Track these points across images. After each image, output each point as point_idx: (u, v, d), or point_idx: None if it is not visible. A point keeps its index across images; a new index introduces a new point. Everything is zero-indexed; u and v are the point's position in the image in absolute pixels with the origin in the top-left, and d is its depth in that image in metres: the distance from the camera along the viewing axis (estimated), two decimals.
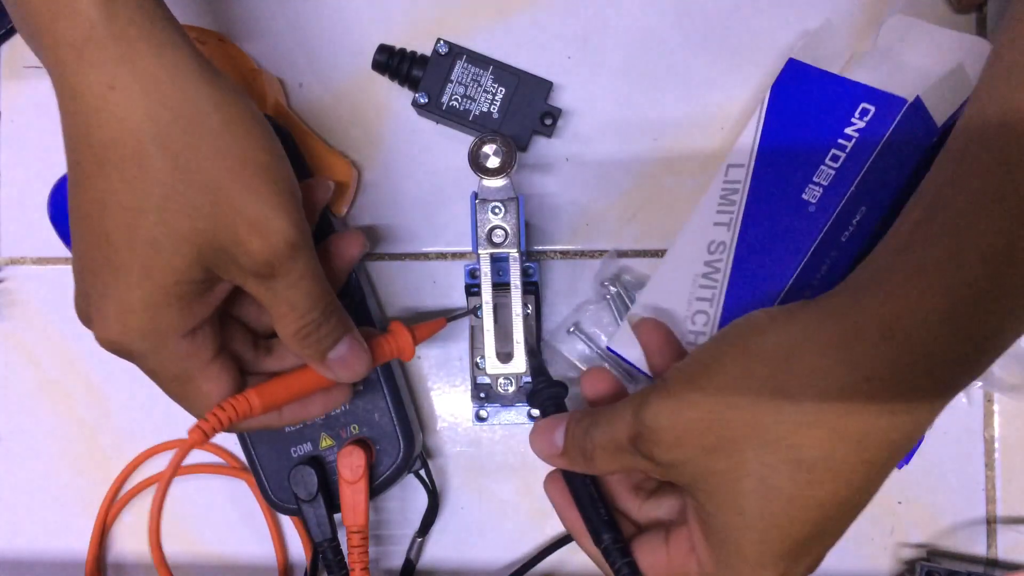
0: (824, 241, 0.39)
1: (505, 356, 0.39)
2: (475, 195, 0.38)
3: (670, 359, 0.37)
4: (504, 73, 0.44)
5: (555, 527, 0.45)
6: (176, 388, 0.33)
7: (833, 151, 0.39)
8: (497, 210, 0.38)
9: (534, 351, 0.40)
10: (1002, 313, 0.28)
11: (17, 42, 0.48)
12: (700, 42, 0.45)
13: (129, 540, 0.47)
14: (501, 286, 0.39)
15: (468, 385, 0.45)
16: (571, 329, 0.45)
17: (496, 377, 0.39)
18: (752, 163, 0.41)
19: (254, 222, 0.30)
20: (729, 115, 0.45)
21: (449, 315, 0.41)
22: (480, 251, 0.39)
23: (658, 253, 0.45)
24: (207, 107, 0.30)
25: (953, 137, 0.31)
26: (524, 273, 0.40)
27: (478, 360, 0.44)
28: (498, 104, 0.44)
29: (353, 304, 0.42)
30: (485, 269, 0.39)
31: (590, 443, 0.32)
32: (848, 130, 0.39)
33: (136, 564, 0.47)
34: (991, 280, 0.27)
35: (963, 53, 0.41)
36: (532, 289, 0.43)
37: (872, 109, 0.39)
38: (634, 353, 0.41)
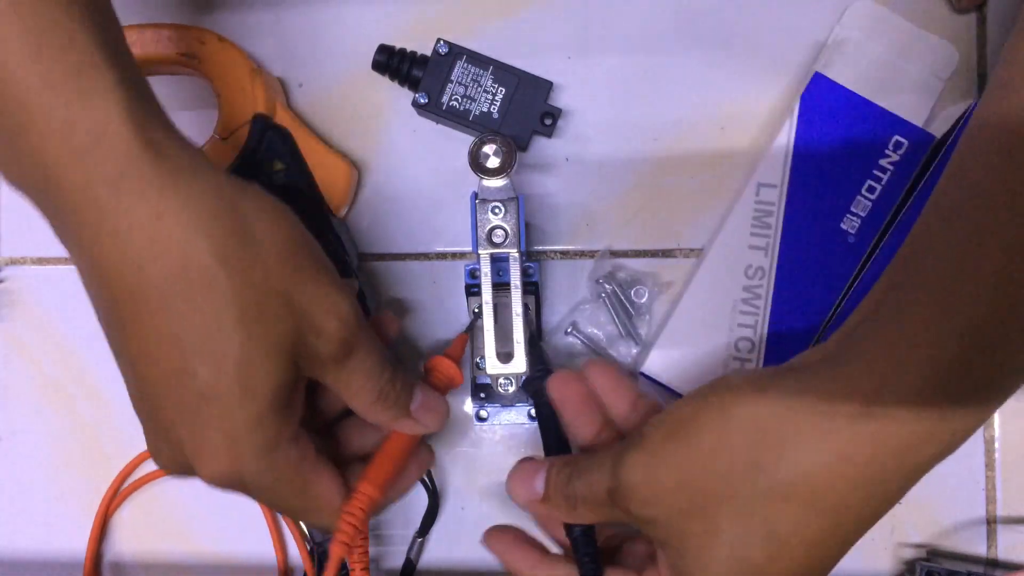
0: (863, 270, 0.41)
1: (505, 356, 0.39)
2: (475, 195, 0.38)
3: (590, 420, 0.36)
4: (504, 73, 0.44)
5: None
6: (298, 502, 0.33)
7: (869, 182, 0.41)
8: (497, 210, 0.38)
9: (535, 340, 0.40)
10: (983, 386, 0.28)
11: None
12: (700, 42, 0.45)
13: (128, 539, 0.47)
14: (501, 286, 0.39)
15: (468, 385, 0.46)
16: (568, 330, 0.45)
17: (496, 377, 0.39)
18: (785, 186, 0.41)
19: (327, 310, 0.30)
20: (729, 115, 0.45)
21: (465, 328, 0.41)
22: (480, 251, 0.39)
23: (658, 253, 0.45)
24: (252, 215, 0.29)
25: (941, 192, 0.30)
26: (524, 273, 0.40)
27: (478, 360, 0.44)
28: (498, 104, 0.44)
29: None
30: (485, 269, 0.39)
31: (573, 494, 0.33)
32: (883, 162, 0.41)
33: (134, 564, 0.47)
34: (967, 358, 0.27)
35: (931, 56, 0.42)
36: (532, 289, 0.43)
37: (905, 143, 0.41)
38: (668, 376, 0.41)
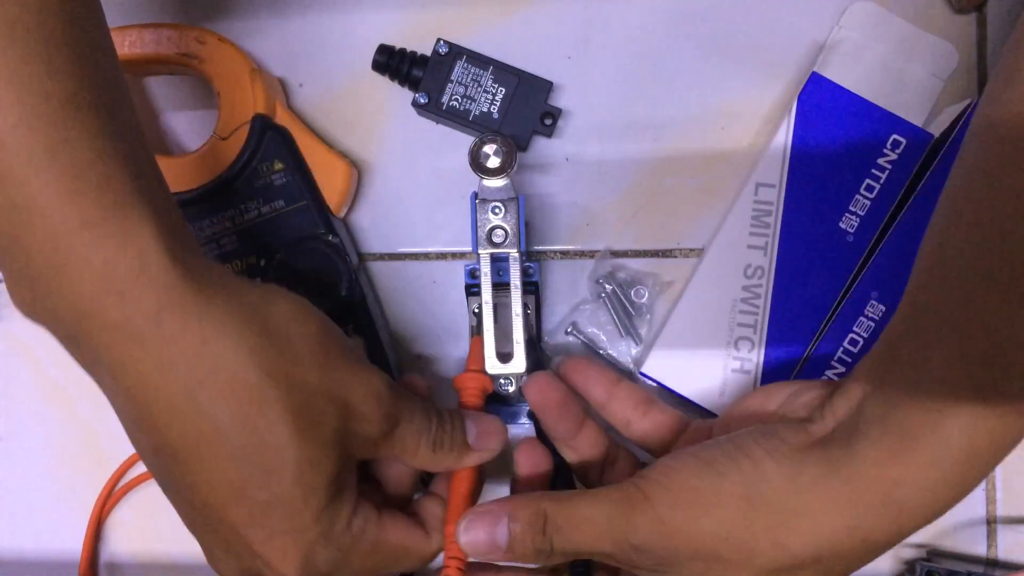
0: (862, 269, 0.41)
1: (505, 356, 0.39)
2: (475, 195, 0.38)
3: (570, 424, 0.36)
4: (504, 73, 0.44)
5: None
6: (380, 561, 0.33)
7: (868, 181, 0.41)
8: (497, 210, 0.38)
9: (534, 342, 0.40)
10: (999, 458, 0.29)
11: None
12: (700, 42, 0.45)
13: (123, 539, 0.47)
14: (501, 286, 0.39)
15: None
16: (569, 330, 0.45)
17: (496, 377, 0.39)
18: (784, 184, 0.41)
19: (364, 395, 0.31)
20: (729, 115, 0.45)
21: (474, 332, 0.41)
22: (480, 251, 0.39)
23: (658, 253, 0.45)
24: (282, 320, 0.30)
25: (929, 255, 0.31)
26: (524, 273, 0.40)
27: None
28: (498, 104, 0.44)
29: (353, 305, 0.42)
30: (485, 269, 0.39)
31: (548, 547, 0.32)
32: (881, 161, 0.41)
33: (131, 564, 0.47)
34: (980, 443, 0.28)
35: (931, 56, 0.42)
36: (532, 289, 0.43)
37: (904, 142, 0.41)
38: (668, 377, 0.41)
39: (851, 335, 0.41)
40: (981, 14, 0.44)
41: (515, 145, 0.38)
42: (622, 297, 0.44)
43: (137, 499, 0.47)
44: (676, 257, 0.45)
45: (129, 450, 0.46)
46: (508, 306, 0.39)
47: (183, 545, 0.47)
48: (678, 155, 0.45)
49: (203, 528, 0.31)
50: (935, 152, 0.41)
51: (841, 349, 0.41)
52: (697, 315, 0.42)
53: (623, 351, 0.45)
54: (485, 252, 0.39)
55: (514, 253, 0.38)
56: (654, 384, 0.42)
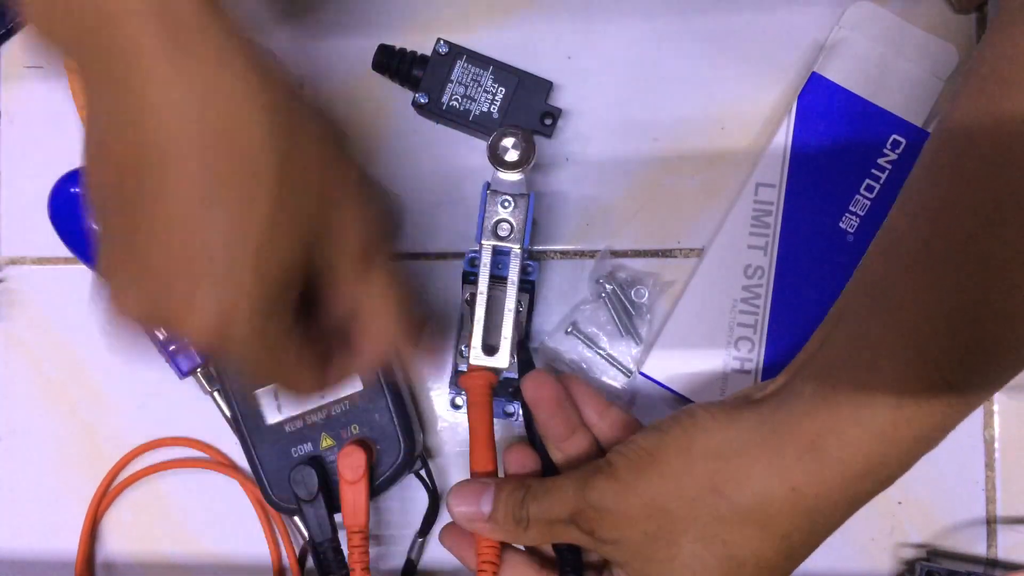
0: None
1: (490, 349, 0.39)
2: (487, 185, 0.38)
3: (563, 425, 0.37)
4: (504, 73, 0.44)
5: None
6: (276, 370, 0.32)
7: (868, 181, 0.41)
8: (507, 203, 0.39)
9: (523, 343, 0.40)
10: (921, 429, 0.30)
11: (18, 42, 0.48)
12: (700, 42, 0.45)
13: (119, 538, 0.47)
14: (498, 279, 0.39)
15: (448, 372, 0.46)
16: (569, 329, 0.45)
17: (479, 369, 0.39)
18: (784, 184, 0.42)
19: (355, 214, 0.31)
20: (729, 115, 0.45)
21: (463, 320, 0.41)
22: (484, 241, 0.39)
23: (658, 253, 0.45)
24: (306, 114, 0.30)
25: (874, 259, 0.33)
26: (523, 271, 0.40)
27: (463, 348, 0.43)
28: (498, 104, 0.44)
29: None
30: (485, 260, 0.39)
31: (525, 515, 0.34)
32: (881, 161, 0.41)
33: (127, 564, 0.47)
34: (906, 411, 0.30)
35: (931, 56, 0.42)
36: (528, 288, 0.43)
37: (904, 142, 0.41)
38: (668, 376, 0.42)
39: None
40: (981, 14, 0.44)
41: (535, 143, 0.38)
42: (622, 297, 0.44)
43: (132, 498, 0.47)
44: (676, 257, 0.45)
45: (125, 449, 0.47)
46: (501, 300, 0.39)
47: (179, 544, 0.47)
48: (678, 155, 0.45)
49: (134, 259, 0.29)
50: None
51: None
52: (698, 315, 0.42)
53: (623, 351, 0.45)
54: (488, 243, 0.39)
55: (516, 248, 0.38)
56: (655, 384, 0.42)
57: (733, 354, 0.41)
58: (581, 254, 0.46)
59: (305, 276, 0.31)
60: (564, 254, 0.46)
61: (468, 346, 0.39)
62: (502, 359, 0.38)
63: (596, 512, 0.32)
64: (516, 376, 0.39)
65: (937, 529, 0.44)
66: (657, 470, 0.32)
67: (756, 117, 0.45)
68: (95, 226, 0.31)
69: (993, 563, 0.44)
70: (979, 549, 0.44)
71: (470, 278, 0.42)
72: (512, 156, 0.38)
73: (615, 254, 0.45)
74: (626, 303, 0.44)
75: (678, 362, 0.42)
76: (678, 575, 0.32)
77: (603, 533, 0.33)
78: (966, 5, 0.43)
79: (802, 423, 0.31)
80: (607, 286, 0.44)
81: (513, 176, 0.38)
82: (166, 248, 0.28)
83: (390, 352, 0.35)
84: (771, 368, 0.41)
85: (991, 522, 0.44)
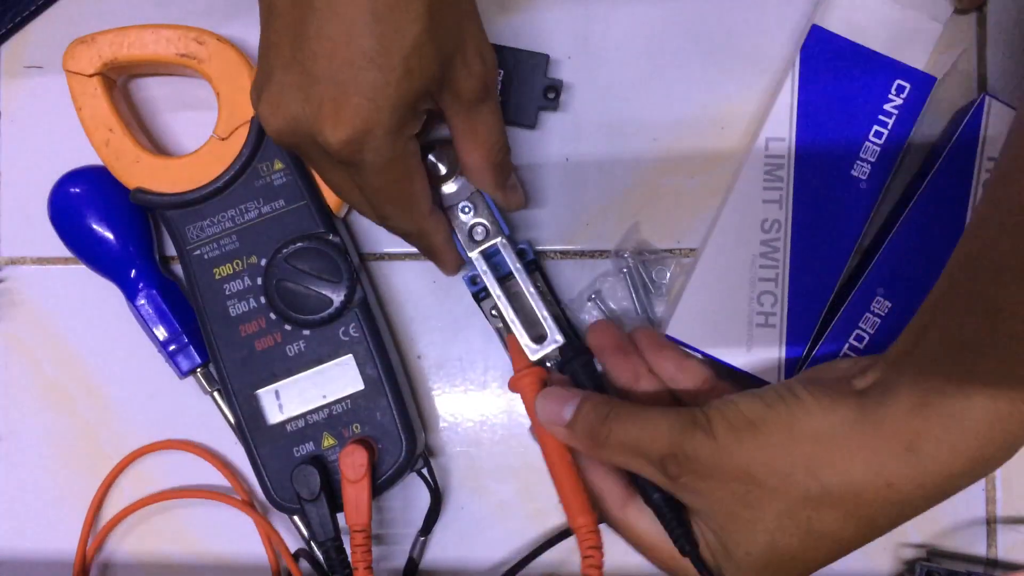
0: (877, 215, 0.42)
1: (539, 338, 0.40)
2: (442, 208, 0.40)
3: (628, 365, 0.40)
4: (498, 54, 0.44)
5: (556, 525, 0.45)
6: (396, 190, 0.35)
7: (876, 127, 0.41)
8: (467, 209, 0.40)
9: (559, 317, 0.41)
10: (1021, 426, 0.31)
11: (17, 42, 0.48)
12: (700, 42, 0.45)
13: (118, 539, 0.47)
14: (505, 278, 0.40)
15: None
16: (592, 296, 0.45)
17: (542, 362, 0.40)
18: (793, 136, 0.42)
19: (477, 51, 0.34)
20: (729, 115, 0.45)
21: (502, 334, 0.43)
22: (470, 253, 0.40)
23: (658, 253, 0.45)
24: None
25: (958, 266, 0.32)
26: (520, 255, 0.41)
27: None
28: (498, 87, 0.44)
29: (354, 305, 0.42)
30: (483, 268, 0.39)
31: (607, 432, 0.35)
32: (887, 106, 0.41)
33: (125, 564, 0.47)
34: (1002, 411, 0.30)
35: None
36: (534, 267, 0.43)
37: (908, 86, 0.41)
38: (694, 336, 0.42)
39: (857, 332, 0.41)
40: (981, 14, 0.44)
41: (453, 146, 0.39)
42: (643, 273, 0.44)
43: (132, 499, 0.47)
44: (676, 257, 0.45)
45: (126, 449, 0.47)
46: (521, 293, 0.39)
47: (178, 545, 0.47)
48: (678, 155, 0.45)
49: (291, 61, 0.32)
50: (937, 152, 0.41)
51: (847, 346, 0.41)
52: (718, 273, 0.42)
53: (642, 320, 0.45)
54: (474, 252, 0.40)
55: (501, 240, 0.39)
56: (681, 345, 0.42)
57: (756, 308, 0.41)
58: (581, 254, 0.46)
59: (428, 110, 0.34)
60: (564, 254, 0.46)
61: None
62: (555, 337, 0.40)
63: (688, 461, 0.34)
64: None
65: (937, 529, 0.44)
66: (757, 441, 0.33)
67: (757, 117, 0.45)
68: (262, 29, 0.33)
69: (993, 563, 0.44)
70: (979, 549, 0.44)
71: (481, 295, 0.42)
72: (443, 170, 0.40)
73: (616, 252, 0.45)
74: (646, 279, 0.44)
75: (702, 321, 0.42)
76: (759, 537, 0.33)
77: (690, 482, 0.34)
78: (966, 5, 0.43)
79: (899, 425, 0.31)
80: (629, 260, 0.44)
81: (453, 186, 0.40)
82: (328, 56, 0.31)
83: (490, 174, 0.38)
84: (795, 320, 0.41)
85: (991, 522, 0.44)
